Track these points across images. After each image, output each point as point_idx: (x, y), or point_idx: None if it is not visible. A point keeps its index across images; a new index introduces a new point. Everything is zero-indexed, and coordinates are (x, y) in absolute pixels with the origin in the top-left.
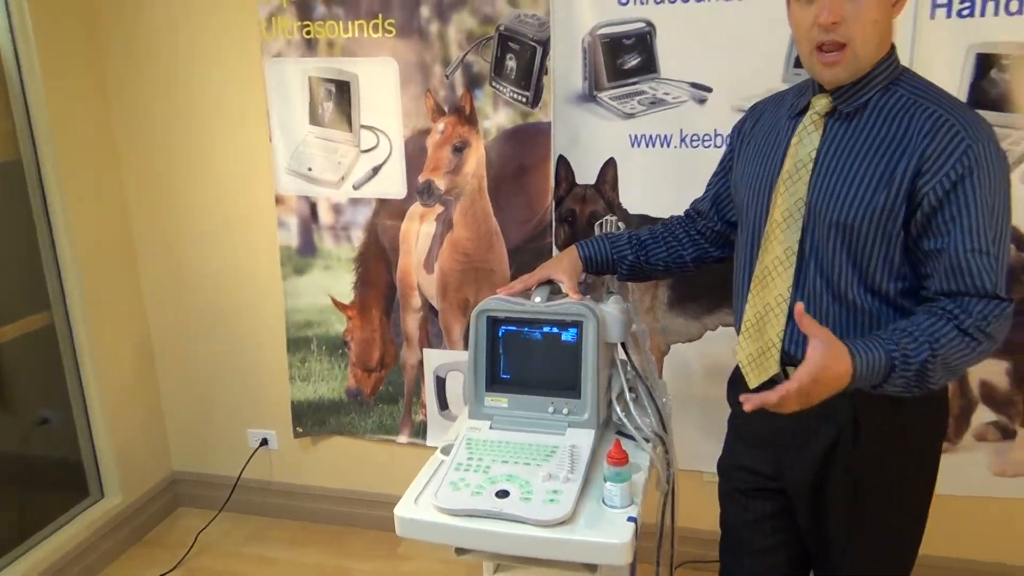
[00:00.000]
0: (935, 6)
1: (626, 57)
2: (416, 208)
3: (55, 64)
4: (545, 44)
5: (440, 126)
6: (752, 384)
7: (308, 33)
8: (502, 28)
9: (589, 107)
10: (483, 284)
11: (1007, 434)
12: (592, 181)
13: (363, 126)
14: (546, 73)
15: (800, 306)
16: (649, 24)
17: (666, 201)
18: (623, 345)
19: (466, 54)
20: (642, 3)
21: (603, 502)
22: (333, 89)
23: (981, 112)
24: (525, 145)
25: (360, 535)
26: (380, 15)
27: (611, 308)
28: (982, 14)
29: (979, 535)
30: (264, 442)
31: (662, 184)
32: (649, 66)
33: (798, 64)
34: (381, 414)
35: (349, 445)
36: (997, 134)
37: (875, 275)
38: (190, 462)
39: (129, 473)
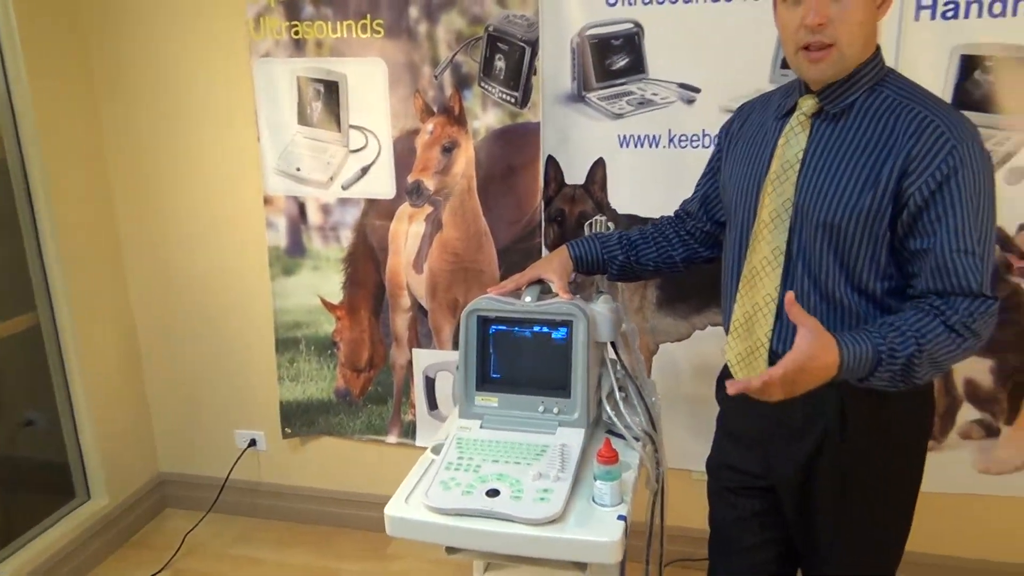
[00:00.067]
0: (920, 8)
1: (614, 58)
2: (405, 208)
3: (41, 64)
4: (534, 45)
5: (429, 126)
6: None
7: (296, 33)
8: (491, 29)
9: (578, 107)
10: (472, 284)
11: (991, 432)
12: (581, 181)
13: (352, 126)
14: (535, 73)
15: (791, 295)
16: (637, 25)
17: (654, 201)
18: (613, 344)
19: (455, 54)
20: (630, 4)
21: (593, 501)
22: (322, 89)
23: (965, 113)
24: (514, 145)
25: (349, 536)
26: (368, 15)
27: (601, 308)
28: (966, 16)
29: (963, 532)
30: (252, 443)
31: (650, 184)
32: (637, 67)
33: (785, 65)
34: (370, 414)
35: (338, 446)
36: (981, 135)
37: (862, 275)
38: (177, 463)
39: (116, 474)
